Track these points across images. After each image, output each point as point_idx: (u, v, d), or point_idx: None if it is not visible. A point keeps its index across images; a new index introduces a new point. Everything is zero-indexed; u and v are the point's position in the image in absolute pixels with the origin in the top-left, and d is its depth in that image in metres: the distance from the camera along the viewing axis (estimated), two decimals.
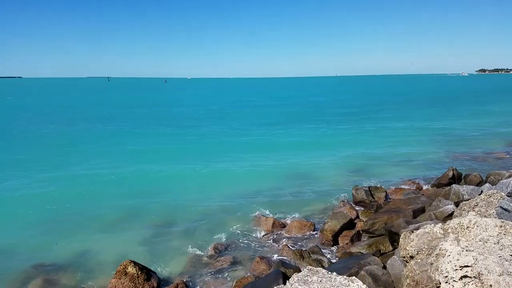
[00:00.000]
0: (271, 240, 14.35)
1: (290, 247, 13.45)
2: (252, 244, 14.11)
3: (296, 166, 25.46)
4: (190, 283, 11.43)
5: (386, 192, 17.65)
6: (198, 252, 13.42)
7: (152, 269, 11.62)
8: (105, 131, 41.51)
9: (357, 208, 16.55)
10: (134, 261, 11.13)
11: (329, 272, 5.53)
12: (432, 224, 7.21)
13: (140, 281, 10.77)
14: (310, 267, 5.64)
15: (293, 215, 16.64)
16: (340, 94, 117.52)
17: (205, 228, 15.51)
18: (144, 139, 36.35)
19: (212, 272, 12.17)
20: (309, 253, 11.86)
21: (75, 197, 19.43)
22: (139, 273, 10.81)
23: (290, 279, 5.35)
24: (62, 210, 17.68)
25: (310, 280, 5.23)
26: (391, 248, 11.72)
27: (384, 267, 9.05)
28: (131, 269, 10.81)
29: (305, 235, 14.72)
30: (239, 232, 15.16)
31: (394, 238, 11.70)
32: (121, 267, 10.91)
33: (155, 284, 10.98)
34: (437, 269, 5.73)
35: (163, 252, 13.52)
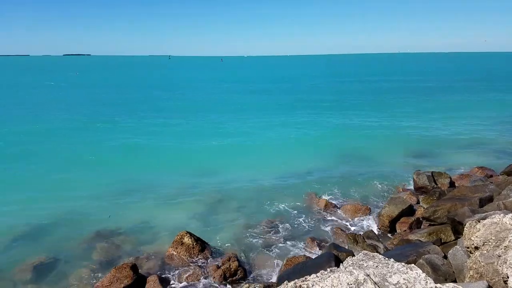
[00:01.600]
0: (323, 222, 14.15)
1: (344, 230, 13.18)
2: (304, 225, 14.03)
3: (354, 147, 24.67)
4: (242, 257, 11.69)
5: (450, 178, 16.50)
6: (250, 228, 13.64)
7: (206, 240, 12.03)
8: (167, 104, 43.16)
9: (417, 194, 15.71)
10: (190, 232, 11.61)
11: (386, 258, 5.27)
12: (502, 214, 6.57)
13: (195, 252, 11.22)
14: (365, 251, 5.41)
15: (348, 198, 16.24)
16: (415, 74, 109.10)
17: (258, 205, 15.68)
18: (205, 115, 37.26)
19: (263, 249, 12.33)
20: (363, 238, 11.52)
21: (142, 168, 20.72)
22: (194, 243, 11.27)
23: (344, 262, 5.18)
24: (128, 180, 18.92)
25: (365, 265, 5.02)
26: (453, 237, 10.99)
27: (445, 257, 8.50)
28: (187, 240, 11.29)
29: (360, 219, 14.31)
30: (291, 211, 15.13)
31: (457, 228, 10.94)
32: (178, 237, 11.44)
33: (208, 255, 11.39)
34: (505, 262, 5.25)
35: (217, 225, 13.93)
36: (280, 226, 13.86)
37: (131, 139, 27.57)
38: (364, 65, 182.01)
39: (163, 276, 10.57)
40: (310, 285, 5.24)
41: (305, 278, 5.59)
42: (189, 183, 18.47)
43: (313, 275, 5.52)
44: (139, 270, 10.61)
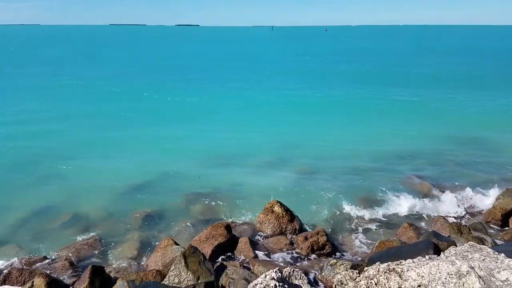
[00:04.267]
0: (424, 208, 13.11)
1: (446, 219, 12.04)
2: (400, 208, 13.19)
3: (471, 131, 22.04)
4: (331, 233, 11.56)
5: None
6: (341, 206, 13.32)
7: (295, 212, 12.15)
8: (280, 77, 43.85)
9: None
10: (281, 202, 11.83)
11: (496, 252, 4.64)
12: None
13: (284, 221, 11.44)
14: (472, 243, 4.83)
15: (454, 184, 14.71)
16: None
17: (351, 184, 15.21)
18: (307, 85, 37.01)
19: (354, 228, 12.01)
20: (469, 229, 10.38)
21: (238, 138, 21.64)
22: (283, 213, 11.47)
23: (445, 251, 4.71)
24: (225, 147, 19.98)
25: (470, 257, 4.49)
26: None
27: None
28: (277, 209, 11.55)
29: (466, 208, 12.92)
30: (388, 193, 14.32)
31: None
32: (269, 205, 11.76)
33: (297, 227, 11.51)
34: None
35: (307, 199, 13.92)
36: (374, 207, 13.26)
37: (238, 109, 28.80)
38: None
39: (253, 239, 11.04)
40: (405, 270, 4.92)
41: (400, 262, 5.26)
42: (284, 154, 18.72)
43: (409, 260, 5.17)
44: (232, 230, 11.27)
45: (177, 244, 10.66)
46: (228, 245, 10.77)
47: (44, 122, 24.39)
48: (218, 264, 9.86)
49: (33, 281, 8.95)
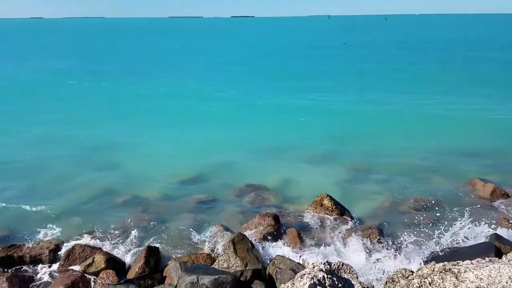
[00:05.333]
0: (486, 210, 12.23)
1: (511, 222, 11.15)
2: (458, 209, 12.42)
3: None
4: (383, 230, 11.20)
5: None
6: (394, 204, 12.85)
7: (345, 207, 11.93)
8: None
9: None
10: (330, 196, 11.68)
11: None
12: None
13: (333, 215, 11.29)
14: None
15: None
16: None
17: (408, 182, 14.54)
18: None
19: (406, 227, 11.53)
20: None
21: (291, 128, 21.65)
22: (333, 207, 11.32)
23: (508, 255, 4.40)
24: (278, 139, 20.10)
25: None
26: None
27: None
28: (326, 202, 11.42)
29: None
30: (447, 192, 13.56)
31: None
32: (318, 198, 11.67)
33: (346, 221, 11.31)
34: None
35: (358, 195, 13.59)
36: (429, 207, 12.62)
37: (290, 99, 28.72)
38: None
39: (300, 231, 11.04)
40: (462, 271, 4.68)
41: (457, 263, 5.02)
42: (337, 147, 18.41)
43: (467, 261, 4.92)
44: (280, 221, 11.35)
45: (226, 230, 10.97)
46: (276, 235, 10.88)
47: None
48: (265, 253, 10.01)
49: (93, 258, 9.71)
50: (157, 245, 10.54)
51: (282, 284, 5.25)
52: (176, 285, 7.61)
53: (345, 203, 12.19)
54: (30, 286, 9.19)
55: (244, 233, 10.40)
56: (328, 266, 5.02)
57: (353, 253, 10.04)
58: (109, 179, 15.22)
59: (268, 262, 9.19)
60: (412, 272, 5.77)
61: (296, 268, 8.50)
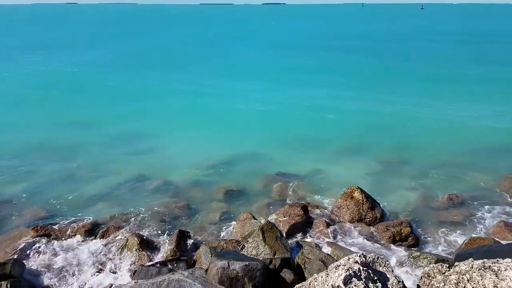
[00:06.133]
0: None
1: None
2: (496, 207, 12.00)
3: None
4: (415, 225, 10.98)
5: None
6: (428, 199, 12.56)
7: (377, 200, 11.74)
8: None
9: None
10: (361, 188, 11.51)
11: None
12: None
13: (364, 208, 11.13)
14: None
15: None
16: None
17: (442, 176, 14.16)
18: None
19: (440, 223, 11.25)
20: None
21: (323, 120, 21.44)
22: (364, 200, 11.16)
23: None
24: (308, 130, 19.94)
25: None
26: None
27: None
28: (357, 195, 11.27)
29: None
30: (481, 189, 13.11)
31: None
32: (349, 191, 11.52)
33: (378, 215, 11.13)
34: None
35: (391, 188, 13.34)
36: (463, 203, 12.24)
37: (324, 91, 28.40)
38: None
39: (329, 223, 10.98)
40: (502, 269, 4.53)
41: (497, 260, 4.86)
42: (369, 138, 18.12)
43: (508, 260, 4.77)
44: (309, 212, 11.33)
45: (255, 218, 11.07)
46: (304, 226, 10.88)
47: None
48: (293, 242, 10.04)
49: (127, 238, 10.06)
50: (187, 229, 10.79)
51: (314, 274, 5.24)
52: (207, 269, 7.77)
53: (376, 196, 11.99)
54: (66, 262, 9.63)
55: (273, 222, 10.47)
56: (364, 259, 4.97)
57: (384, 247, 9.91)
58: (143, 165, 15.56)
59: (297, 251, 9.21)
60: (449, 268, 5.63)
61: (325, 259, 8.48)
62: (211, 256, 8.67)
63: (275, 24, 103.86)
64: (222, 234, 11.03)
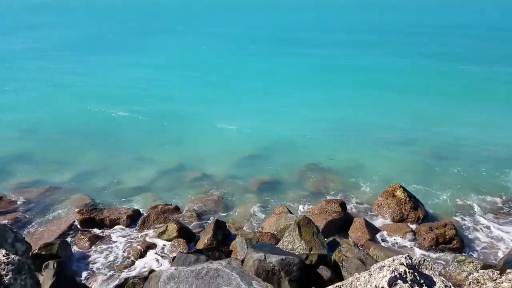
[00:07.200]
0: None
1: None
2: None
3: None
4: (460, 228, 10.42)
5: None
6: (476, 201, 11.89)
7: (420, 200, 11.24)
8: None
9: None
10: (404, 187, 11.06)
11: None
12: None
13: (406, 208, 10.70)
14: None
15: None
16: None
17: (492, 177, 13.41)
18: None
19: (488, 226, 10.62)
20: None
21: (366, 112, 20.79)
22: (406, 199, 10.73)
23: None
24: (350, 121, 19.49)
25: None
26: None
27: None
28: (399, 193, 10.85)
29: None
30: None
31: None
32: (390, 189, 11.12)
33: (420, 216, 10.67)
34: None
35: (437, 188, 12.74)
36: None
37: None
38: None
39: (369, 221, 10.65)
40: None
41: None
42: (413, 134, 17.36)
43: None
44: (347, 209, 11.05)
45: (291, 212, 10.95)
46: (342, 223, 10.63)
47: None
48: (330, 239, 9.82)
49: (167, 226, 10.29)
50: (223, 219, 10.87)
51: (355, 274, 5.06)
52: (243, 260, 7.77)
53: (420, 195, 11.49)
54: (108, 246, 10.02)
55: (309, 217, 10.30)
56: (410, 261, 4.72)
57: (426, 249, 9.49)
58: (181, 155, 15.84)
59: (334, 249, 9.01)
60: (500, 274, 5.27)
61: (364, 258, 8.23)
62: (246, 248, 8.66)
63: (319, 16, 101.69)
64: (257, 226, 11.03)
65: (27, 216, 11.42)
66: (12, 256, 4.23)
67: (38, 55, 39.41)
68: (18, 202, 12.08)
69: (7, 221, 10.56)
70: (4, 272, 3.97)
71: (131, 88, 26.83)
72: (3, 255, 4.18)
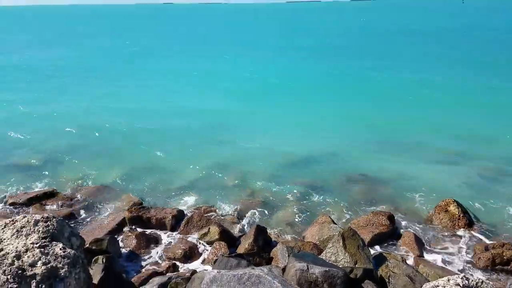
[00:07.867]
0: None
1: None
2: None
3: None
4: None
5: None
6: None
7: (476, 215, 10.49)
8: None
9: None
10: (458, 202, 10.40)
11: None
12: None
13: (459, 224, 10.06)
14: None
15: None
16: None
17: None
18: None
19: None
20: None
21: (419, 122, 19.94)
22: (460, 215, 10.08)
23: None
24: (399, 131, 18.79)
25: None
26: None
27: None
28: (453, 208, 10.22)
29: None
30: None
31: None
32: (443, 203, 10.51)
33: (474, 233, 9.98)
34: None
35: (492, 203, 11.78)
36: None
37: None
38: None
39: (418, 236, 10.11)
40: None
41: None
42: (469, 146, 16.32)
43: None
44: (395, 222, 10.57)
45: (334, 222, 10.66)
46: (389, 236, 10.19)
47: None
48: (376, 253, 9.42)
49: (209, 228, 10.41)
50: (264, 225, 10.80)
51: None
52: (284, 268, 7.65)
53: (475, 212, 10.73)
54: (153, 245, 10.30)
55: (354, 229, 9.96)
56: (466, 281, 4.40)
57: (480, 269, 8.83)
58: (224, 158, 15.91)
59: (380, 263, 8.62)
60: None
61: (413, 275, 7.80)
62: (288, 256, 8.53)
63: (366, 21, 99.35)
64: (299, 234, 10.83)
65: (80, 212, 12.05)
66: (68, 250, 4.44)
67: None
68: (73, 199, 12.79)
69: (62, 215, 11.18)
70: (61, 265, 4.17)
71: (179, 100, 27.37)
72: (60, 249, 4.40)
